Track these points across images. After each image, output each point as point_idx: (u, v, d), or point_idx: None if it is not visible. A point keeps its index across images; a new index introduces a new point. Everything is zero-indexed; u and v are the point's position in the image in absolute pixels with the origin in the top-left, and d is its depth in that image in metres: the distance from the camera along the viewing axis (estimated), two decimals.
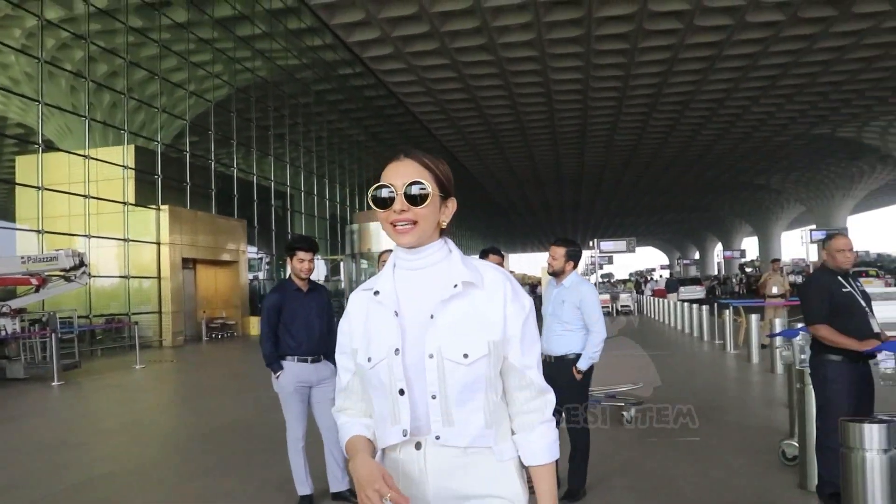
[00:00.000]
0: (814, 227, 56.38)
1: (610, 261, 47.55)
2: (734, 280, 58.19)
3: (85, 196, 18.83)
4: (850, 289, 4.55)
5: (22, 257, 13.40)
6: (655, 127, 40.77)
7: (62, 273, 13.79)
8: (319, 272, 33.67)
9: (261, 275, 28.96)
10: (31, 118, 20.49)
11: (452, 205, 1.70)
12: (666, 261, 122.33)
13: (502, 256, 5.86)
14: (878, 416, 3.89)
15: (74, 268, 13.72)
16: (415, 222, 1.61)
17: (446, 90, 33.40)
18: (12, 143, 23.58)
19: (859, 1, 24.12)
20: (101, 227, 19.62)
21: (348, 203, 37.16)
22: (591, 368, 4.99)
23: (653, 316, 28.35)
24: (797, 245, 69.73)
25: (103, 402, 10.90)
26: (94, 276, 15.81)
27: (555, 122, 39.18)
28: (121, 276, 20.27)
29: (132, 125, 21.04)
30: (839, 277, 4.61)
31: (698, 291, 40.32)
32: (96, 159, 19.41)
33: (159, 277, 20.71)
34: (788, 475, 5.27)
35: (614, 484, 5.32)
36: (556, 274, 5.13)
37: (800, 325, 6.27)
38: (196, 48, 24.08)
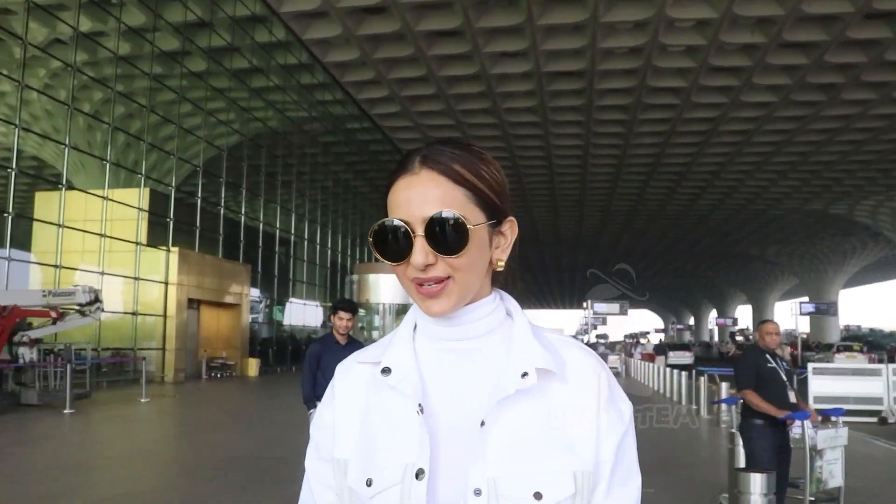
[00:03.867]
0: (806, 299, 57.31)
1: (604, 322, 48.33)
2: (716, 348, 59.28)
3: (101, 235, 19.77)
4: (774, 364, 5.44)
5: (43, 291, 14.26)
6: (652, 194, 41.95)
7: (78, 307, 14.62)
8: (317, 319, 34.55)
9: (260, 318, 29.75)
10: (47, 154, 21.47)
11: (511, 229, 1.07)
12: (661, 324, 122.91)
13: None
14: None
15: (90, 303, 14.56)
16: (447, 277, 0.98)
17: None
18: (25, 176, 24.59)
19: (847, 88, 25.38)
20: (113, 265, 20.53)
21: (349, 252, 38.15)
22: None
23: (640, 379, 29.02)
24: (787, 316, 70.84)
25: (114, 431, 11.65)
26: (105, 312, 16.61)
27: (554, 185, 40.37)
28: (129, 313, 21.10)
29: (142, 166, 22.03)
30: (767, 355, 5.50)
31: (686, 357, 40.71)
32: (114, 200, 20.39)
33: (165, 316, 21.53)
34: None
35: None
36: None
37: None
38: (210, 96, 25.24)
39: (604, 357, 34.19)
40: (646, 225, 51.21)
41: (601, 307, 44.37)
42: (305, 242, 32.45)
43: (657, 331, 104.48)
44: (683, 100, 27.24)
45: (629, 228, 52.43)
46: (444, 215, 0.96)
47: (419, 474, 0.95)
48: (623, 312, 43.66)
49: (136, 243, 21.17)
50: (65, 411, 12.78)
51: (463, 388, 1.01)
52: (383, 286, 27.56)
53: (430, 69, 25.71)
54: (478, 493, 0.94)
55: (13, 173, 17.28)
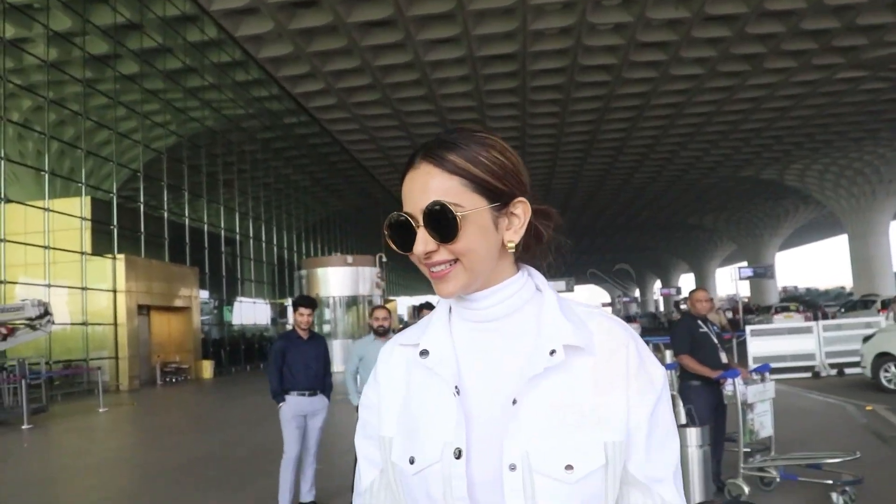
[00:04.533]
0: (744, 263, 59.00)
1: None
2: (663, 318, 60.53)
3: (45, 247, 19.56)
4: (706, 329, 5.94)
5: None
6: (590, 171, 42.75)
7: (28, 322, 14.53)
8: (267, 317, 34.59)
9: (210, 319, 29.67)
10: None
11: (524, 210, 1.10)
12: (608, 298, 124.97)
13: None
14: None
15: (40, 316, 14.48)
16: (454, 260, 1.06)
17: (388, 137, 34.77)
18: None
19: (770, 58, 26.27)
20: (59, 276, 20.32)
21: (295, 248, 38.15)
22: None
23: None
24: (728, 281, 73.00)
25: (77, 442, 11.71)
26: (55, 324, 16.49)
27: None
28: (79, 324, 20.91)
29: (79, 173, 21.75)
30: (699, 321, 5.99)
31: (633, 329, 41.62)
32: (55, 211, 20.14)
33: (115, 324, 21.41)
34: None
35: None
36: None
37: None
38: (145, 98, 24.99)
39: None
40: (586, 201, 52.15)
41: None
42: (251, 241, 32.38)
43: (604, 305, 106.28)
44: (615, 76, 27.85)
45: (570, 206, 53.28)
46: (437, 201, 1.03)
47: (458, 453, 1.02)
48: (570, 289, 44.61)
49: (81, 253, 20.96)
50: (23, 427, 12.73)
51: (495, 367, 1.07)
52: (332, 279, 27.81)
53: (365, 60, 25.81)
54: (513, 468, 1.00)
55: None
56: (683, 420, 5.95)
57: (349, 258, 28.81)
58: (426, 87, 28.50)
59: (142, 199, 24.07)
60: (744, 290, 54.34)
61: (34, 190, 20.52)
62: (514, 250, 1.10)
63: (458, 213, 1.03)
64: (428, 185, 1.05)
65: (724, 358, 5.94)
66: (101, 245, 21.76)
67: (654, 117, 33.06)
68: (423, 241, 1.05)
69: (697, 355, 5.82)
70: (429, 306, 7.25)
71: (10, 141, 20.75)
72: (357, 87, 28.56)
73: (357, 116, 31.76)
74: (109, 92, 23.23)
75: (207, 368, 25.13)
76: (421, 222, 1.04)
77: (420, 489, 1.06)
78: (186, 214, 26.89)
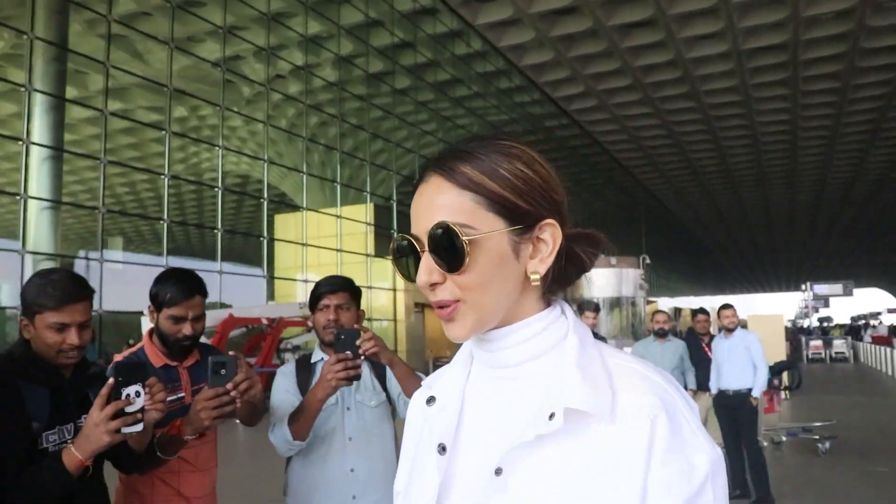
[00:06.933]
0: None
1: (826, 304, 45.62)
2: None
3: (337, 250, 21.86)
4: None
5: (300, 304, 16.09)
6: (874, 162, 39.27)
7: None
8: None
9: None
10: (271, 177, 23.65)
11: (553, 235, 0.88)
12: (894, 303, 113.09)
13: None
14: None
15: None
16: (455, 301, 0.86)
17: (649, 136, 34.46)
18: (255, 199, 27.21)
19: None
20: (347, 275, 22.48)
21: None
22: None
23: (871, 364, 27.45)
24: None
25: None
26: None
27: (762, 163, 38.91)
28: (364, 319, 23.01)
29: (357, 181, 23.89)
30: None
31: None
32: (345, 217, 22.47)
33: (395, 320, 23.38)
34: None
35: (802, 496, 6.53)
36: (730, 329, 6.55)
37: None
38: (416, 110, 26.87)
39: (829, 343, 32.12)
40: (870, 195, 47.79)
41: (821, 288, 41.86)
42: None
43: (890, 311, 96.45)
44: None
45: (850, 200, 49.22)
46: (441, 222, 0.85)
47: None
48: (847, 293, 40.96)
49: (366, 255, 23.11)
50: None
51: (494, 425, 0.89)
52: (596, 281, 27.95)
53: (625, 61, 25.90)
54: None
55: (265, 202, 19.69)
56: None
57: (613, 259, 28.86)
58: (688, 84, 27.98)
59: None
60: None
61: (319, 197, 22.85)
62: (538, 283, 0.88)
63: (466, 238, 0.84)
64: (435, 203, 0.87)
65: None
66: (381, 247, 23.79)
67: None
68: (427, 270, 0.87)
69: None
70: (703, 311, 7.40)
71: (299, 154, 23.35)
72: (617, 89, 28.71)
73: (617, 117, 31.85)
74: (385, 106, 25.25)
75: None
76: (426, 247, 0.87)
77: None
78: None
